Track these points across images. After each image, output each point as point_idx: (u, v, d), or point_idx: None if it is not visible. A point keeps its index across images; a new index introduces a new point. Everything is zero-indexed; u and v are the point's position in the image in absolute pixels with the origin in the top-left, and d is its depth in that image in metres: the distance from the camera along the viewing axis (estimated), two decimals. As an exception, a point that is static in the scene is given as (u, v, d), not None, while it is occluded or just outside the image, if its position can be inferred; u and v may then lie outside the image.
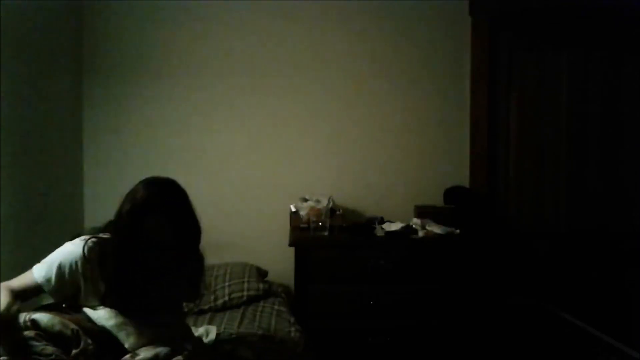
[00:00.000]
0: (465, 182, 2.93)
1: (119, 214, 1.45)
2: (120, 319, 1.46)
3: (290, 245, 2.44)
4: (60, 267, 1.44)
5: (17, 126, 2.25)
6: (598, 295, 2.85)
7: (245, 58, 2.89)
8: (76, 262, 1.44)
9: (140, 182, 1.49)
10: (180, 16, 2.86)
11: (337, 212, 2.69)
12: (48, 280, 1.43)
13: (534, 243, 2.94)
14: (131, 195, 1.45)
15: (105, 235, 1.50)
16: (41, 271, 1.44)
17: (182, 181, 2.89)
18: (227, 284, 2.51)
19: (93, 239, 1.48)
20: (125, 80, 2.85)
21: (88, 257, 1.44)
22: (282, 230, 2.76)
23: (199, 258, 1.66)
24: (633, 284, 2.84)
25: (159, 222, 1.43)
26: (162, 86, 2.87)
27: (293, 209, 2.71)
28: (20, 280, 1.45)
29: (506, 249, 2.90)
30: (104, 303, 1.46)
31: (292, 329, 2.14)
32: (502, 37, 2.94)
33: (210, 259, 2.72)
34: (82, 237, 1.49)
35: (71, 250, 1.46)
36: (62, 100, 2.69)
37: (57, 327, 1.35)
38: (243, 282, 2.52)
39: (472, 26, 2.91)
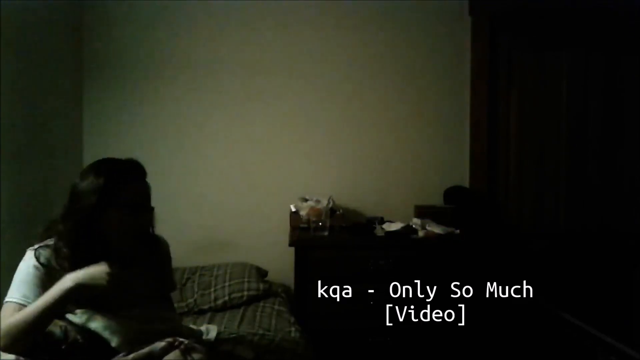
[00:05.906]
0: (465, 182, 2.93)
1: (76, 209, 1.41)
2: (101, 319, 1.43)
3: (290, 245, 2.44)
4: (27, 283, 1.40)
5: (17, 126, 2.25)
6: (598, 295, 2.85)
7: (245, 58, 2.89)
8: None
9: (88, 171, 1.45)
10: (180, 17, 2.86)
11: (337, 212, 2.69)
12: (26, 296, 1.38)
13: (534, 243, 2.94)
14: (85, 188, 1.41)
15: (51, 241, 1.46)
16: (14, 294, 1.39)
17: (182, 181, 2.93)
18: (227, 284, 2.51)
19: (41, 247, 1.45)
20: (125, 80, 2.86)
21: (43, 263, 1.42)
22: (282, 230, 2.76)
23: (162, 244, 1.66)
24: (633, 284, 2.84)
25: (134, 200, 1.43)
26: (162, 87, 2.87)
27: (293, 209, 2.71)
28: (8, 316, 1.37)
29: (506, 248, 2.90)
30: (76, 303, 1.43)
31: (292, 329, 2.14)
32: (502, 37, 2.94)
33: (211, 259, 2.77)
34: (30, 249, 1.46)
35: (27, 265, 1.43)
36: (62, 100, 2.69)
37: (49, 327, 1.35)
38: (243, 282, 2.52)
39: (472, 26, 2.91)
